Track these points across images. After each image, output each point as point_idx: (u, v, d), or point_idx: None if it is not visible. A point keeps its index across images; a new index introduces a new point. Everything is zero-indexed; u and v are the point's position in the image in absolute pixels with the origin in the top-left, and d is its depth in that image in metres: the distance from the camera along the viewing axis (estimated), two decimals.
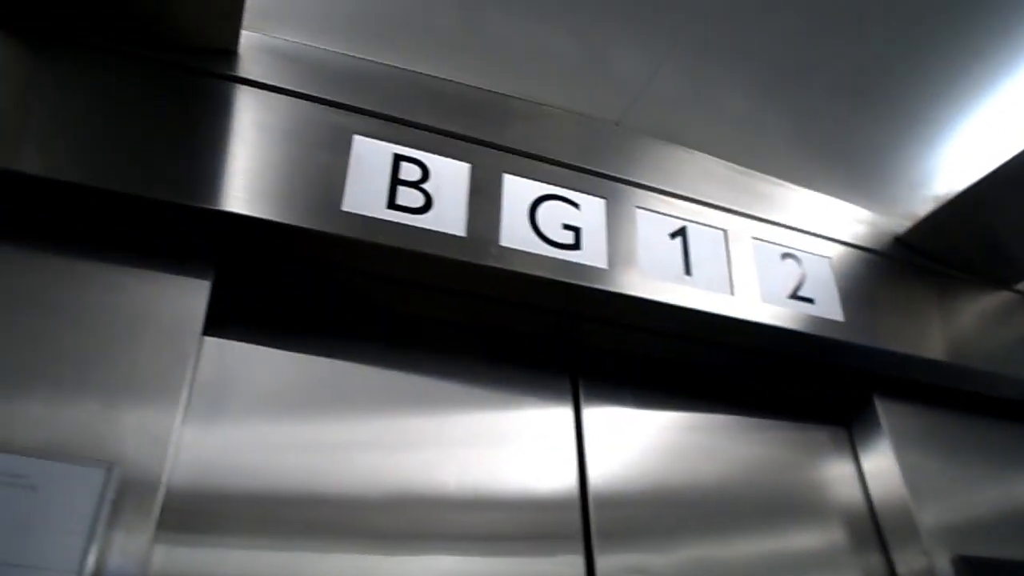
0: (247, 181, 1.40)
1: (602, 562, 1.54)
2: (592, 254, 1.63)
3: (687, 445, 1.81)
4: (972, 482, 1.91)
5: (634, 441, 1.75)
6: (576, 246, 1.62)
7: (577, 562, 1.52)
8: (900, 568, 1.78)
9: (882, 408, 1.93)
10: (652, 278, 1.67)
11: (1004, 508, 1.91)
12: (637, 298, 1.63)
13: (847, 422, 2.02)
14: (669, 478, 1.73)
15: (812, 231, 1.97)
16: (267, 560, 1.31)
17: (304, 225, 1.40)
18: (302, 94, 1.53)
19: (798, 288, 1.85)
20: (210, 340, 1.43)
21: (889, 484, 1.86)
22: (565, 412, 1.71)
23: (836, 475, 1.94)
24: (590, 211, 1.69)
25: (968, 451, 1.97)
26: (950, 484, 1.87)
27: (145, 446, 1.19)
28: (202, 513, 1.31)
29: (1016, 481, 1.98)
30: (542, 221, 1.62)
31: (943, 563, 1.71)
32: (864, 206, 2.10)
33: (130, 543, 1.12)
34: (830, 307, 1.86)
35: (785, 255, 1.89)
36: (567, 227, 1.64)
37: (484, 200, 1.58)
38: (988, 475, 1.95)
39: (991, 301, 2.17)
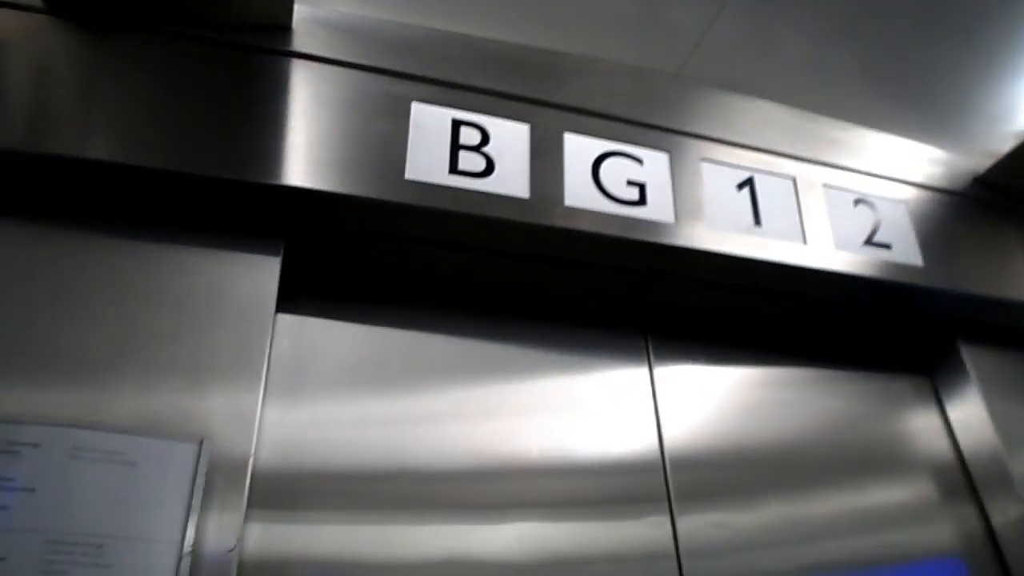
0: (309, 154, 1.40)
1: (683, 522, 1.52)
2: (658, 209, 1.59)
3: (763, 401, 1.76)
4: None
5: (708, 399, 1.72)
6: (642, 202, 1.59)
7: (664, 522, 1.50)
8: (995, 518, 1.72)
9: (968, 355, 1.85)
10: (721, 230, 1.62)
11: None
12: (706, 252, 1.59)
13: (930, 371, 1.95)
14: (746, 435, 1.69)
15: (885, 175, 1.89)
16: (356, 535, 1.32)
17: (368, 195, 1.39)
18: (358, 64, 1.52)
19: (873, 234, 1.77)
20: (284, 317, 1.44)
21: (979, 433, 1.79)
22: (640, 372, 1.69)
23: (920, 426, 1.87)
24: (654, 166, 1.65)
25: None
26: None
27: (231, 423, 1.21)
28: (289, 489, 1.32)
29: None
30: (606, 178, 1.58)
31: None
32: (939, 146, 2.00)
33: (224, 517, 1.14)
34: (908, 252, 1.79)
35: (858, 201, 1.81)
36: (631, 183, 1.60)
37: (546, 160, 1.56)
38: None
39: None
